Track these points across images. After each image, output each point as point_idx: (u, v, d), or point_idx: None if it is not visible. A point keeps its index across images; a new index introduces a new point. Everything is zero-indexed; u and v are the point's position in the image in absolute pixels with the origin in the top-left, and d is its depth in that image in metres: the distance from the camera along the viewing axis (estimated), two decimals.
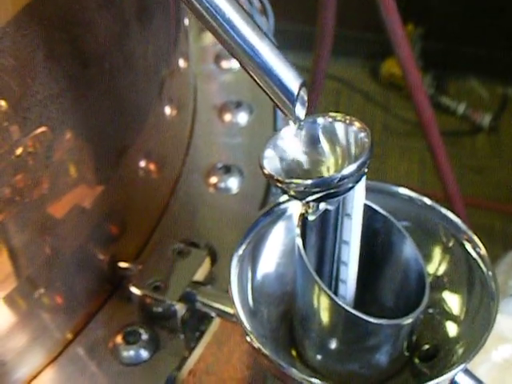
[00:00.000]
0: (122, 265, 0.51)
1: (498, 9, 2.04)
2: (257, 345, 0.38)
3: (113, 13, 0.44)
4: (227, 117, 0.65)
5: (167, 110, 0.56)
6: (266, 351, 0.38)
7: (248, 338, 0.38)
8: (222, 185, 0.59)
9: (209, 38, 0.77)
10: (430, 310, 0.44)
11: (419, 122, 1.42)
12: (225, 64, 0.71)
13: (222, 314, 0.48)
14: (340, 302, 0.37)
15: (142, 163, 0.53)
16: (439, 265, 0.44)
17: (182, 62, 0.59)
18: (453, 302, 0.44)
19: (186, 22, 0.61)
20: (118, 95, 0.47)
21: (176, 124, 0.59)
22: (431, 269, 0.44)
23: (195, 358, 0.50)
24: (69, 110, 0.43)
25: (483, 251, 0.42)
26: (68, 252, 0.48)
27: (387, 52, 2.01)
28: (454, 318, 0.43)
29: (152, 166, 0.55)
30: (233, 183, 0.59)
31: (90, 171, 0.48)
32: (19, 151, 0.42)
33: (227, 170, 0.59)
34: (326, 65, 1.48)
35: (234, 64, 0.71)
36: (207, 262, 0.50)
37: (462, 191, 1.50)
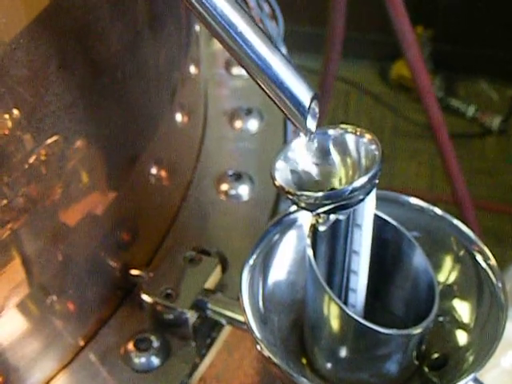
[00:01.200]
0: (134, 272, 0.52)
1: (508, 11, 2.03)
2: (267, 354, 0.38)
3: (125, 22, 0.45)
4: (238, 123, 0.65)
5: (178, 117, 0.56)
6: (276, 360, 0.38)
7: (258, 347, 0.39)
8: (233, 192, 0.59)
9: (219, 44, 0.77)
10: (440, 318, 0.44)
11: (429, 125, 1.42)
12: (235, 70, 0.71)
13: (232, 321, 0.49)
14: (350, 313, 0.38)
15: (153, 170, 0.54)
16: (449, 274, 0.44)
17: (192, 69, 0.59)
18: (462, 310, 0.44)
19: (197, 28, 0.62)
20: (130, 103, 0.48)
21: (187, 131, 0.59)
22: (441, 277, 0.44)
23: (206, 365, 0.51)
24: (82, 119, 0.43)
25: (493, 262, 0.42)
26: (80, 259, 0.48)
27: (397, 54, 2.01)
28: (463, 327, 0.43)
29: (163, 173, 0.55)
30: (243, 190, 0.59)
31: (102, 179, 0.49)
32: (32, 160, 0.42)
33: (238, 177, 0.60)
34: (335, 67, 1.48)
35: (244, 70, 0.71)
36: (218, 270, 0.51)
37: (471, 194, 1.50)
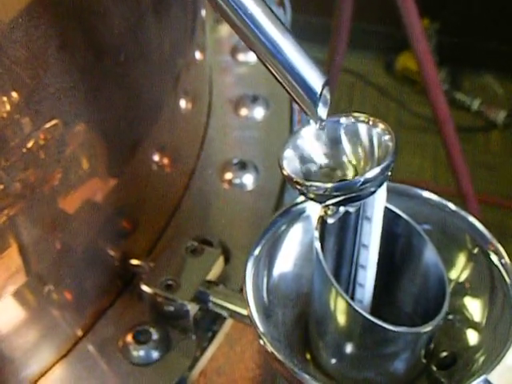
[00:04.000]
0: (134, 262, 0.50)
1: None
2: (270, 349, 0.37)
3: (128, 3, 0.43)
4: (243, 111, 0.64)
5: (182, 103, 0.55)
6: (279, 356, 0.36)
7: (261, 342, 0.37)
8: (237, 181, 0.58)
9: (225, 29, 0.76)
10: (450, 317, 0.42)
11: (435, 118, 1.41)
12: (241, 57, 0.70)
13: (234, 315, 0.47)
14: (357, 308, 0.36)
15: (156, 157, 0.52)
16: (461, 271, 0.43)
17: (198, 54, 0.57)
18: (474, 309, 0.42)
19: (203, 13, 0.60)
20: (133, 88, 0.46)
21: (191, 118, 0.58)
22: (453, 274, 0.42)
23: (207, 359, 0.49)
24: (82, 102, 0.42)
25: (507, 261, 0.41)
26: (79, 248, 0.47)
27: (402, 46, 2.00)
28: (474, 326, 0.42)
29: (166, 161, 0.54)
30: (248, 179, 0.58)
31: (102, 165, 0.47)
32: (30, 144, 0.41)
33: (242, 165, 0.58)
34: (341, 59, 1.46)
35: (250, 57, 0.69)
36: (220, 261, 0.49)
37: (475, 188, 1.49)
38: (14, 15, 0.36)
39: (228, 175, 0.58)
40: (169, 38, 0.49)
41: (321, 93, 0.32)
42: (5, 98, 0.38)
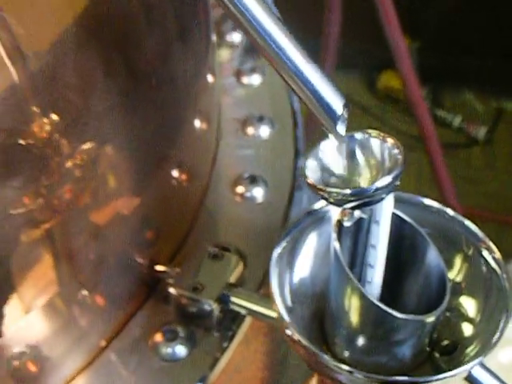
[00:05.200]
0: (159, 268, 0.55)
1: (492, 22, 2.08)
2: (297, 337, 0.42)
3: (158, 32, 0.48)
4: (250, 130, 0.69)
5: (197, 123, 0.60)
6: (305, 342, 0.41)
7: (288, 332, 0.42)
8: (248, 194, 0.63)
9: (226, 53, 0.81)
10: (448, 314, 0.48)
11: (420, 135, 1.46)
12: (245, 79, 0.75)
13: (253, 313, 0.52)
14: (373, 299, 0.41)
15: (175, 174, 0.57)
16: (458, 271, 0.48)
17: (210, 77, 0.62)
18: (469, 306, 0.47)
19: (214, 37, 0.65)
20: (161, 109, 0.51)
21: (204, 137, 0.63)
22: (451, 275, 0.47)
23: (228, 356, 0.54)
24: (119, 124, 0.47)
25: (498, 255, 0.46)
26: (111, 257, 0.51)
27: (384, 65, 2.05)
28: (470, 320, 0.47)
29: (184, 177, 0.58)
30: (258, 192, 0.63)
31: (130, 182, 0.52)
32: (70, 163, 0.45)
33: (253, 180, 0.63)
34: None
35: (254, 80, 0.74)
36: (239, 265, 0.54)
37: (458, 201, 1.54)
38: (68, 44, 0.41)
39: (240, 189, 0.63)
40: (189, 63, 0.55)
41: (342, 114, 0.37)
42: (53, 119, 0.43)
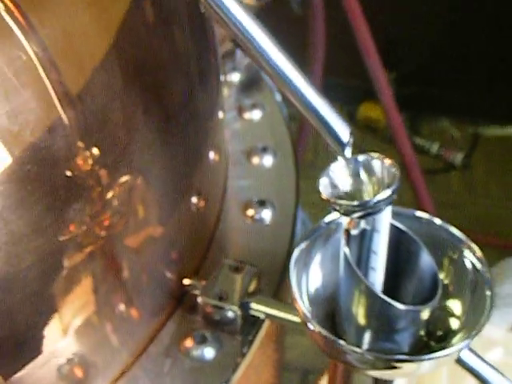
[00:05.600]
0: (186, 281, 0.63)
1: (463, 54, 2.18)
2: (318, 329, 0.49)
3: (184, 78, 0.57)
4: (255, 160, 0.77)
5: (211, 155, 0.68)
6: (324, 332, 0.49)
7: (310, 326, 0.50)
8: (258, 216, 0.71)
9: (225, 91, 0.89)
10: (439, 310, 0.55)
11: (401, 163, 1.54)
12: (247, 115, 0.83)
13: (272, 317, 0.60)
14: (379, 293, 0.49)
15: (195, 200, 0.65)
16: (446, 274, 0.55)
17: (220, 114, 0.71)
18: (457, 303, 0.55)
19: (222, 78, 0.74)
20: (186, 144, 0.59)
21: (217, 166, 0.71)
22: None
23: (250, 358, 0.61)
24: (155, 157, 0.54)
25: (479, 254, 0.54)
26: (144, 275, 0.59)
27: (363, 97, 2.14)
28: (459, 314, 0.54)
29: (202, 203, 0.66)
30: (267, 215, 0.71)
31: (161, 209, 0.59)
32: (110, 193, 0.52)
33: (262, 203, 0.71)
34: None
35: (254, 115, 0.83)
36: (257, 276, 0.62)
37: None
38: (114, 89, 0.49)
39: (250, 212, 0.71)
40: (206, 101, 0.63)
41: (348, 141, 0.45)
42: (98, 154, 0.50)
